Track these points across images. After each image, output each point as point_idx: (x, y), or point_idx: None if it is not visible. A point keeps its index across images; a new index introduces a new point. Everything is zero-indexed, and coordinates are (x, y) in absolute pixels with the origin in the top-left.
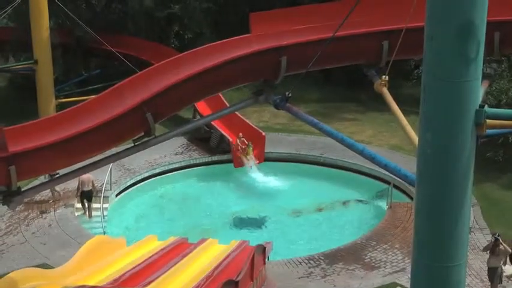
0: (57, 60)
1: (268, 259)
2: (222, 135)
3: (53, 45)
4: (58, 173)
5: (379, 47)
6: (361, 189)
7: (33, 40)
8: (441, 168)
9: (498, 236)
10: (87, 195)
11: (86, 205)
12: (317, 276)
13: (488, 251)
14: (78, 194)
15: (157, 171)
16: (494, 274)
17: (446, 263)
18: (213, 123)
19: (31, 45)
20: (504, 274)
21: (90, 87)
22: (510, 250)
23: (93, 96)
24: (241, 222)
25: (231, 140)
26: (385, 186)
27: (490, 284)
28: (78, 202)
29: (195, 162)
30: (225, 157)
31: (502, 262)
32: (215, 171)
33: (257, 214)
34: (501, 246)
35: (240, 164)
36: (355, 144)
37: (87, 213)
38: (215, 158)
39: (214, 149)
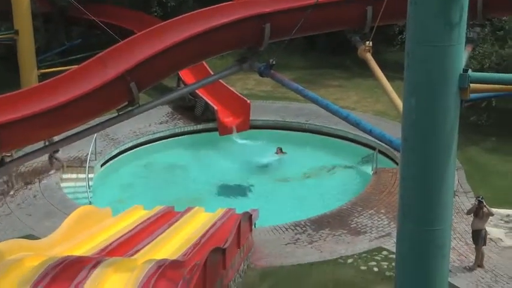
0: (38, 30)
1: (254, 226)
2: (206, 104)
3: (33, 14)
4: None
5: (363, 12)
6: (347, 155)
7: (14, 10)
8: (426, 133)
9: (482, 198)
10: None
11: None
12: (304, 242)
13: (472, 214)
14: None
15: (142, 140)
16: (478, 236)
17: (431, 227)
18: (197, 91)
19: (11, 15)
20: (488, 236)
21: (73, 57)
22: (494, 213)
23: (75, 66)
24: (227, 190)
25: (215, 108)
26: (370, 152)
27: (474, 246)
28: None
29: (180, 131)
30: (210, 125)
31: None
32: (200, 140)
33: (243, 182)
34: (485, 209)
35: (225, 132)
36: (339, 111)
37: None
38: (200, 126)
39: (199, 117)
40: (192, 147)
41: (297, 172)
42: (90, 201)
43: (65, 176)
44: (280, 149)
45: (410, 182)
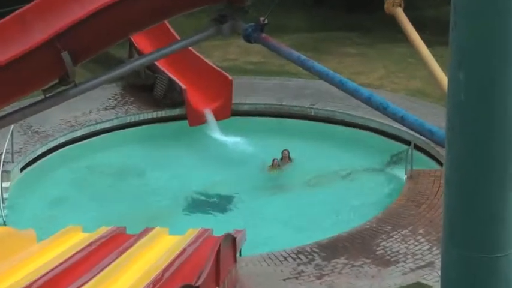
0: None
1: (240, 254)
2: (170, 81)
3: None
4: None
5: None
6: (370, 152)
7: None
8: (481, 121)
9: None
10: None
11: None
12: (310, 277)
13: None
14: None
15: (79, 134)
16: None
17: (489, 253)
18: (157, 64)
19: None
20: None
21: None
22: None
23: None
24: (201, 204)
25: (183, 87)
26: (403, 147)
27: None
28: None
29: (133, 120)
30: (176, 112)
31: None
32: (163, 132)
33: (223, 191)
34: None
35: (197, 121)
36: (359, 90)
37: None
38: (162, 113)
39: (160, 100)
40: (151, 142)
41: (301, 177)
42: (4, 221)
43: None
44: (287, 153)
45: (459, 190)
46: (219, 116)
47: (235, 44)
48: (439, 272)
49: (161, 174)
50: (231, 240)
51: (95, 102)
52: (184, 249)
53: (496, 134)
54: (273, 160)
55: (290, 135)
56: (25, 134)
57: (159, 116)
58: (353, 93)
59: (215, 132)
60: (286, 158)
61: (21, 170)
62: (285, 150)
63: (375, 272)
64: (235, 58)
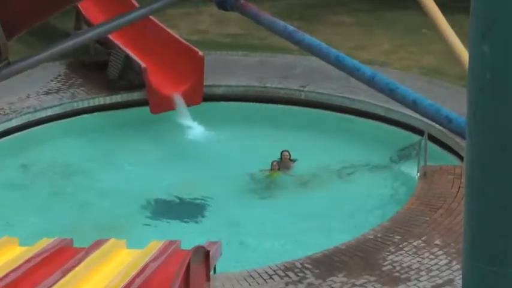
0: None
1: (214, 271)
2: (127, 58)
3: None
4: None
5: None
6: (373, 145)
7: None
8: (510, 104)
9: None
10: None
11: None
12: None
13: None
14: None
15: (14, 124)
16: None
17: None
18: (111, 37)
19: None
20: None
21: None
22: None
23: None
24: (166, 210)
25: (143, 66)
26: (416, 138)
27: None
28: None
29: (81, 107)
30: (134, 96)
31: None
32: (118, 121)
33: (194, 194)
34: None
35: (161, 107)
36: (360, 68)
37: None
38: (117, 97)
39: (114, 82)
40: (104, 134)
41: (290, 177)
42: None
43: None
44: (288, 154)
45: (483, 191)
46: (187, 101)
47: (207, 12)
48: None
49: (117, 174)
50: (204, 255)
51: (33, 85)
52: (146, 266)
53: None
54: (272, 163)
55: (275, 124)
56: None
57: (114, 101)
58: (352, 72)
59: (184, 121)
60: (286, 160)
61: None
62: (284, 151)
63: None
64: (207, 29)
